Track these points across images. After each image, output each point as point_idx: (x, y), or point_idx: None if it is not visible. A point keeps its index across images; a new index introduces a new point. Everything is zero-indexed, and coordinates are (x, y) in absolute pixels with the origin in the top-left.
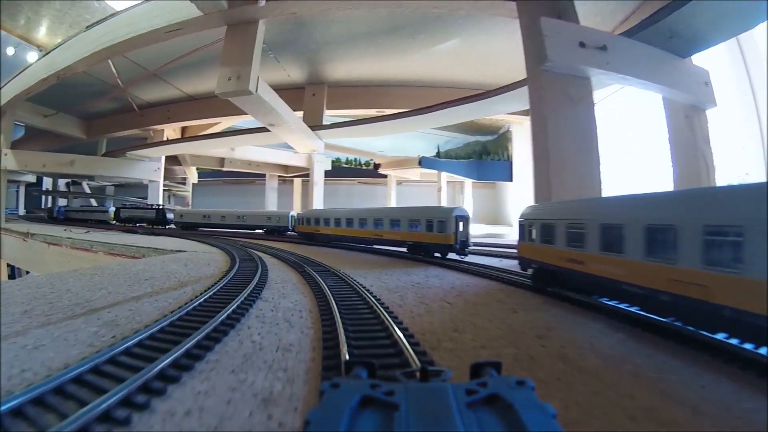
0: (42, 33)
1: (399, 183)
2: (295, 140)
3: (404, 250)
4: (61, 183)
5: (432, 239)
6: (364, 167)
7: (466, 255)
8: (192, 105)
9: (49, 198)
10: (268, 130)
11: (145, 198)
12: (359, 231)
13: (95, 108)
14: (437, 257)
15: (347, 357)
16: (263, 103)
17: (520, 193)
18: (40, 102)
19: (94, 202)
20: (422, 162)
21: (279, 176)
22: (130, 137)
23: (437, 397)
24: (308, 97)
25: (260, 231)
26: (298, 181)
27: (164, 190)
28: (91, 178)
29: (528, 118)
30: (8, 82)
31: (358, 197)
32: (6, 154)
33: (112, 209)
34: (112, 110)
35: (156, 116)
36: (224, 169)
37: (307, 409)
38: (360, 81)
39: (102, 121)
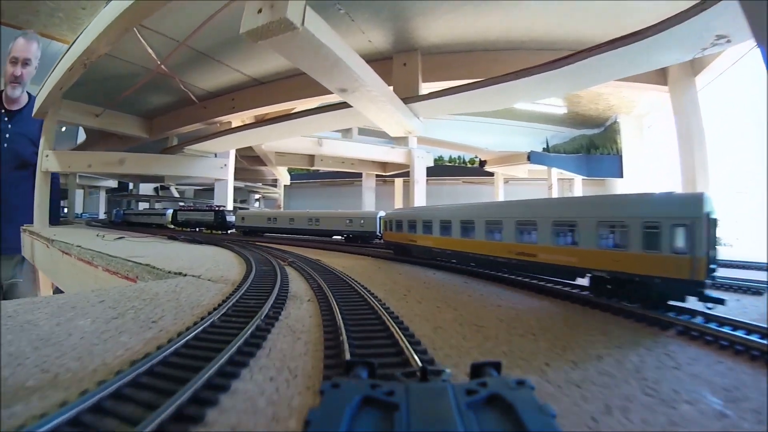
0: (65, 27)
1: (505, 182)
2: (383, 117)
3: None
4: (147, 187)
5: (657, 266)
6: (468, 165)
7: (718, 302)
8: (258, 90)
9: (130, 202)
10: (342, 107)
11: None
12: (486, 244)
13: (152, 103)
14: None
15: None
16: (319, 47)
17: (631, 190)
18: (87, 100)
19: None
20: (531, 157)
21: (377, 175)
22: (199, 134)
23: (437, 397)
24: (398, 69)
25: (340, 238)
26: (399, 181)
27: (250, 191)
28: (145, 178)
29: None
30: (45, 83)
31: (463, 198)
32: (47, 156)
33: (170, 212)
34: (172, 104)
35: (220, 107)
36: (315, 168)
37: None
38: (460, 44)
39: (163, 117)
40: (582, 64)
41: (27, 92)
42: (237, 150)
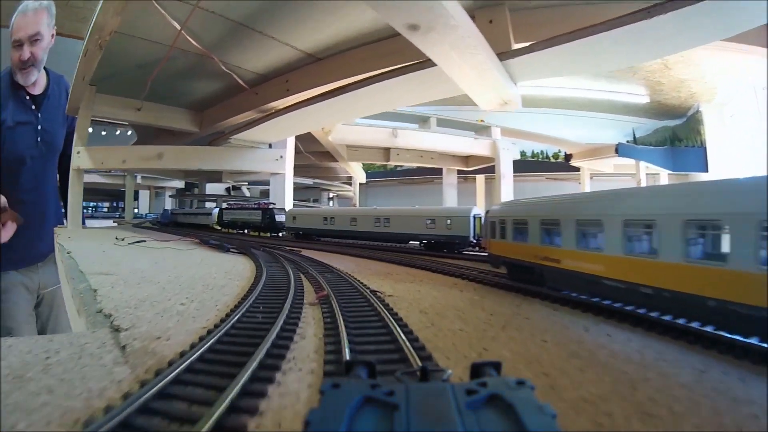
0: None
1: (591, 177)
2: (473, 77)
3: None
4: (216, 188)
5: None
6: (552, 160)
7: None
8: (315, 68)
9: (193, 202)
10: (416, 68)
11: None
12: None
13: (199, 93)
14: None
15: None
16: None
17: None
18: (125, 93)
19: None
20: (620, 149)
21: (459, 170)
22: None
23: (437, 397)
24: (483, 27)
25: (418, 244)
26: (480, 178)
27: (322, 189)
28: (211, 177)
29: None
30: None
31: (546, 194)
32: (79, 153)
33: (216, 211)
34: (221, 93)
35: (273, 91)
36: (391, 163)
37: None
38: None
39: (214, 109)
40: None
41: (46, 69)
42: (303, 144)
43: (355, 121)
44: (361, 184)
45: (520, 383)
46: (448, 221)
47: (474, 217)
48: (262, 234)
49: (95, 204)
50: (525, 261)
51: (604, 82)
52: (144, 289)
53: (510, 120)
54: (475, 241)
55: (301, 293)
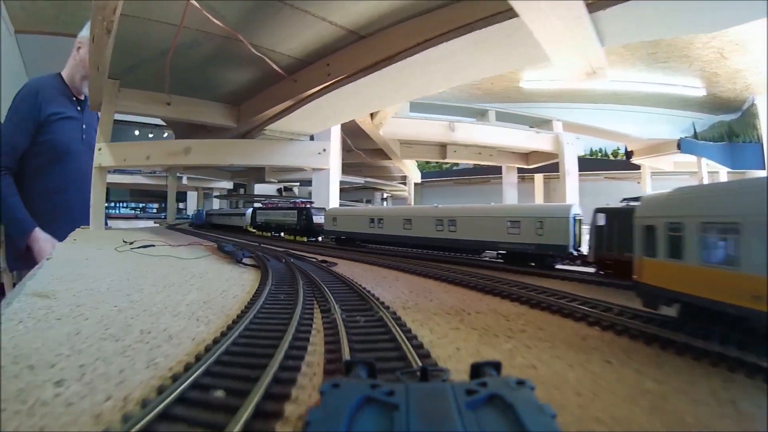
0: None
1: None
2: (558, 37)
3: None
4: (269, 188)
5: None
6: (611, 158)
7: None
8: (359, 48)
9: (239, 203)
10: (482, 25)
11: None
12: None
13: (234, 84)
14: None
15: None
16: None
17: None
18: (152, 87)
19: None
20: (682, 145)
21: (519, 168)
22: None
23: (437, 397)
24: None
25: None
26: (539, 177)
27: (374, 188)
28: (260, 177)
29: None
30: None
31: (605, 195)
32: (101, 149)
33: (249, 212)
34: (257, 83)
35: (313, 76)
36: (447, 161)
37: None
38: None
39: (251, 101)
40: None
41: None
42: (354, 141)
43: (408, 114)
44: (416, 184)
45: (521, 383)
46: (539, 224)
47: (573, 218)
48: (298, 238)
49: (143, 205)
50: (732, 304)
51: (659, 74)
52: (61, 330)
53: (567, 114)
54: (575, 253)
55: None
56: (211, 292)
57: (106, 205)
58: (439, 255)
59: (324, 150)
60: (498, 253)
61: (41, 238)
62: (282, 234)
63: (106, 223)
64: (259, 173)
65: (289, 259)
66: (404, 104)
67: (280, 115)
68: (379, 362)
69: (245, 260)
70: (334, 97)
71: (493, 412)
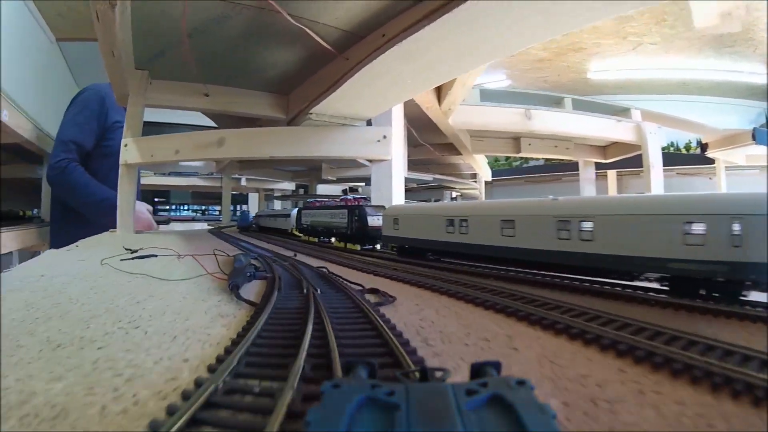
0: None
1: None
2: None
3: None
4: (334, 190)
5: None
6: (683, 151)
7: None
8: (421, 11)
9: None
10: None
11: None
12: None
13: (280, 69)
14: None
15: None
16: None
17: None
18: (187, 78)
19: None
20: (756, 135)
21: (596, 163)
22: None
23: (437, 398)
24: None
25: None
26: (612, 174)
27: (444, 187)
28: (299, 175)
29: None
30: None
31: (679, 192)
32: (126, 145)
33: (294, 213)
34: (304, 65)
35: (367, 50)
36: (521, 155)
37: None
38: None
39: (301, 89)
40: None
41: None
42: (420, 134)
43: (478, 102)
44: (486, 182)
45: (521, 383)
46: (736, 227)
47: None
48: (349, 245)
49: (204, 207)
50: None
51: (726, 60)
52: None
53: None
54: None
55: None
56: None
57: (167, 208)
58: (567, 280)
59: (384, 137)
60: (661, 279)
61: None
62: (332, 240)
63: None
64: (318, 172)
65: (314, 290)
66: (473, 92)
67: (328, 92)
68: None
69: (253, 279)
70: (392, 61)
71: (494, 413)
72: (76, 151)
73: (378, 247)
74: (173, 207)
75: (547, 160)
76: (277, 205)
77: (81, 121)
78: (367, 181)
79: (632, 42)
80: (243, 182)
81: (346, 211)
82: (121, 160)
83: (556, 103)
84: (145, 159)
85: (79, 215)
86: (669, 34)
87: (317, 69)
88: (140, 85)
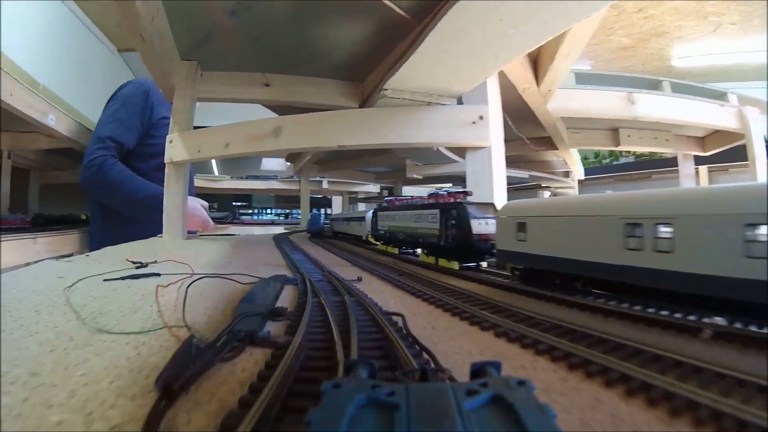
0: None
1: None
2: None
3: None
4: (420, 192)
5: None
6: None
7: None
8: None
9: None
10: None
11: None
12: None
13: (347, 48)
14: None
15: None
16: None
17: None
18: (242, 67)
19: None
20: None
21: (695, 156)
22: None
23: (438, 398)
24: None
25: None
26: (703, 170)
27: (539, 187)
28: (383, 176)
29: None
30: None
31: None
32: (171, 142)
33: (369, 216)
34: (376, 42)
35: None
36: (621, 148)
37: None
38: None
39: (377, 73)
40: None
41: None
42: (516, 124)
43: (574, 85)
44: (579, 180)
45: (521, 383)
46: None
47: None
48: (443, 262)
49: (288, 211)
50: None
51: None
52: None
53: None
54: None
55: None
56: None
57: (250, 212)
58: None
59: (480, 117)
60: None
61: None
62: (417, 251)
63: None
64: (403, 174)
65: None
66: (569, 75)
67: (404, 58)
68: None
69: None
70: (487, 6)
71: (494, 413)
72: (115, 149)
73: (484, 264)
74: (255, 210)
75: (637, 156)
76: (361, 208)
77: (122, 116)
78: (456, 180)
79: (713, 23)
80: (325, 185)
81: (437, 212)
82: (166, 158)
83: (653, 87)
84: (192, 155)
85: (120, 218)
86: (747, 11)
87: (392, 47)
88: (188, 77)
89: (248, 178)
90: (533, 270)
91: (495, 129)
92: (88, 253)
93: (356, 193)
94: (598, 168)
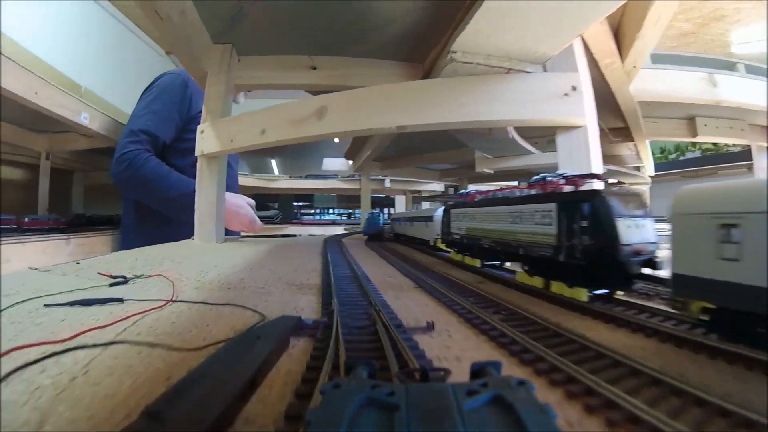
0: None
1: None
2: None
3: None
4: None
5: None
6: None
7: None
8: None
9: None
10: None
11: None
12: None
13: (400, 22)
14: None
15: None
16: None
17: None
18: (282, 49)
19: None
20: None
21: None
22: None
23: (438, 398)
24: None
25: None
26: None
27: (618, 183)
28: (446, 173)
29: None
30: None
31: None
32: (203, 132)
33: (439, 215)
34: (435, 15)
35: None
36: (697, 139)
37: None
38: None
39: (441, 48)
40: None
41: None
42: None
43: (650, 65)
44: (650, 177)
45: (521, 383)
46: None
47: None
48: (556, 286)
49: (350, 211)
50: None
51: None
52: None
53: None
54: None
55: None
56: None
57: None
58: None
59: (573, 88)
60: None
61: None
62: (507, 264)
63: (224, 233)
64: (470, 170)
65: None
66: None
67: (474, 10)
68: None
69: None
70: None
71: (494, 413)
72: (149, 143)
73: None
74: (317, 211)
75: (703, 150)
76: (425, 207)
77: (157, 108)
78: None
79: None
80: (387, 184)
81: (552, 207)
82: (197, 151)
83: (728, 68)
84: (224, 146)
85: (156, 218)
86: None
87: (459, 13)
88: (221, 62)
89: (307, 177)
90: (751, 315)
91: (589, 105)
92: (78, 261)
93: (420, 192)
94: (665, 164)
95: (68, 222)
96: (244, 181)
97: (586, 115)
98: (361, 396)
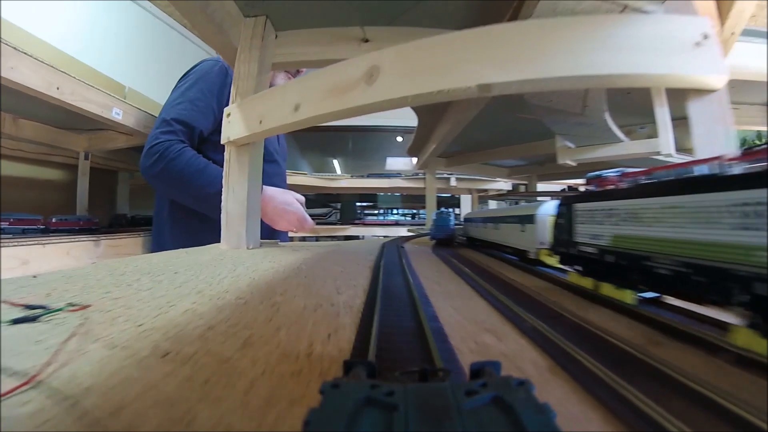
0: None
1: None
2: None
3: None
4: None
5: None
6: None
7: None
8: None
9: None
10: None
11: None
12: None
13: None
14: None
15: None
16: None
17: None
18: (325, 21)
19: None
20: None
21: None
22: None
23: (437, 398)
24: None
25: None
26: None
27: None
28: (516, 170)
29: None
30: None
31: None
32: (229, 115)
33: (546, 214)
34: None
35: None
36: None
37: None
38: None
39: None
40: None
41: None
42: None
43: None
44: None
45: (521, 383)
46: None
47: None
48: None
49: (415, 211)
50: None
51: None
52: None
53: None
54: None
55: None
56: None
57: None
58: None
59: (705, 37)
60: None
61: (267, 194)
62: (683, 290)
63: (263, 236)
64: (541, 166)
65: None
66: None
67: None
68: None
69: None
70: None
71: (493, 413)
72: (184, 133)
73: None
74: (381, 211)
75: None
76: (492, 207)
77: (193, 96)
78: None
79: None
80: (453, 182)
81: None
82: (223, 138)
83: None
84: (251, 129)
85: (192, 216)
86: None
87: None
88: (253, 36)
89: (369, 176)
90: None
91: (724, 61)
92: (35, 275)
93: (486, 191)
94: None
95: (108, 222)
96: (304, 180)
97: (723, 72)
98: (359, 396)
